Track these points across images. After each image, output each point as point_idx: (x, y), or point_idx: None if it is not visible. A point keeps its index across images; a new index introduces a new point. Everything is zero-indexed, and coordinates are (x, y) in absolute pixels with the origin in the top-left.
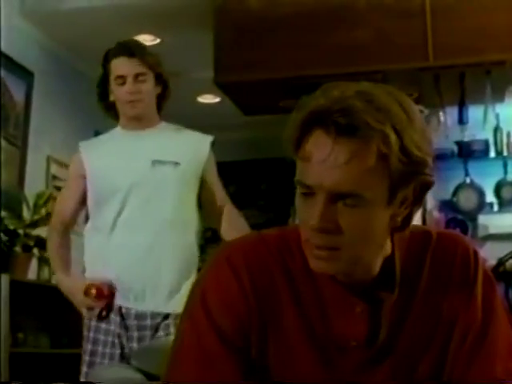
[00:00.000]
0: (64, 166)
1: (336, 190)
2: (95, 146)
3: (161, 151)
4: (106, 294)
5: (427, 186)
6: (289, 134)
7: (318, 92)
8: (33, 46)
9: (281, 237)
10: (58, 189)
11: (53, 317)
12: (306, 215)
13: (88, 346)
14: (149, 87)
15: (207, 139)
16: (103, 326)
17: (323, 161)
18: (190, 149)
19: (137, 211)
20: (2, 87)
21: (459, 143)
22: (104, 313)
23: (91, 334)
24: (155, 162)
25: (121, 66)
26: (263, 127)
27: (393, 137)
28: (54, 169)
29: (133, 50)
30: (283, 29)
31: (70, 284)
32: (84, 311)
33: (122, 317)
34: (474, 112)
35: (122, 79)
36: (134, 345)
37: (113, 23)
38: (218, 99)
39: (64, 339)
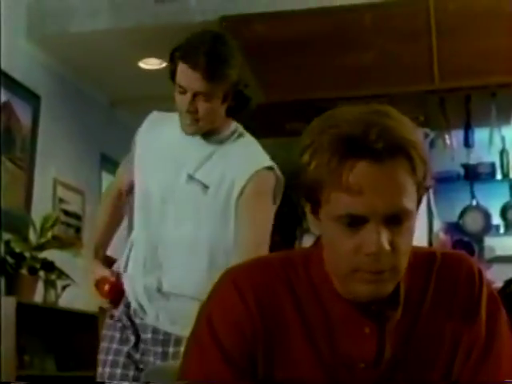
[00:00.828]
0: (71, 188)
1: (390, 213)
2: (157, 126)
3: (198, 166)
4: (116, 292)
5: (427, 190)
6: (321, 172)
7: (330, 118)
8: (39, 68)
9: (286, 259)
10: (65, 212)
11: (59, 339)
12: (357, 244)
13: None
14: (211, 107)
15: (256, 164)
16: (110, 321)
17: (375, 189)
18: (228, 171)
19: (152, 226)
20: (7, 109)
21: (465, 166)
22: (112, 310)
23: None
24: (189, 178)
25: (182, 75)
26: (270, 150)
27: (422, 149)
28: (61, 191)
29: (198, 59)
30: (289, 52)
31: (92, 265)
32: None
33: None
34: (480, 135)
35: (182, 89)
36: (137, 356)
37: (119, 46)
38: None
39: (71, 362)
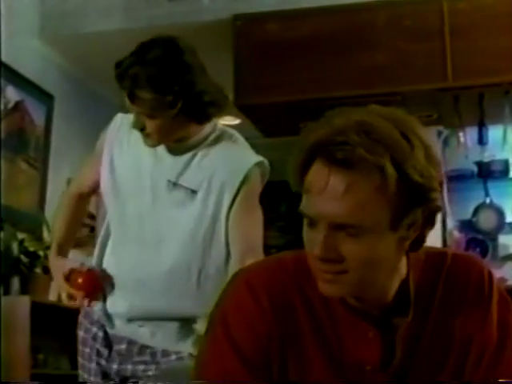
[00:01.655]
0: None
1: (335, 221)
2: (126, 131)
3: (180, 172)
4: (91, 285)
5: (435, 210)
6: (293, 164)
7: (321, 120)
8: (52, 69)
9: (298, 260)
10: None
11: (73, 338)
12: (311, 244)
13: (78, 347)
14: (158, 124)
15: (247, 162)
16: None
17: (321, 192)
18: (216, 174)
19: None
20: (21, 109)
21: (479, 163)
22: (86, 304)
23: (79, 332)
24: (171, 184)
25: (124, 96)
26: (283, 149)
27: (389, 169)
28: None
29: (124, 84)
30: (303, 51)
31: (56, 262)
32: (63, 297)
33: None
34: (494, 132)
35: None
36: (114, 366)
37: (132, 46)
38: (238, 121)
39: None
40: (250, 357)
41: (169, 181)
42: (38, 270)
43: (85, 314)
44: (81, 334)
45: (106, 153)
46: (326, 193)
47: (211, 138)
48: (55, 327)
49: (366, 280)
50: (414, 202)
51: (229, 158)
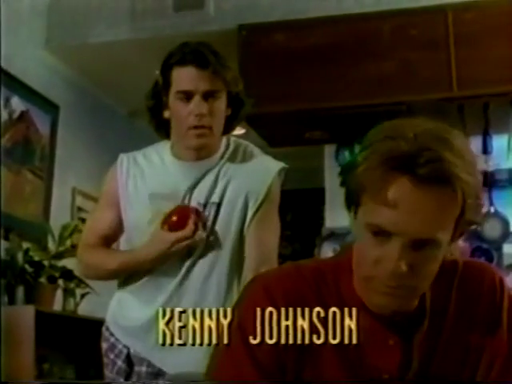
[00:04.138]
0: (89, 197)
1: (419, 237)
2: (136, 168)
3: (206, 189)
4: (188, 217)
5: (474, 223)
6: (366, 177)
7: (390, 131)
8: (58, 79)
9: (317, 268)
10: (84, 221)
11: (78, 348)
12: (378, 255)
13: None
14: (221, 108)
15: (269, 172)
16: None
17: (410, 211)
18: (242, 183)
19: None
20: (26, 119)
21: (483, 173)
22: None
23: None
24: (203, 206)
25: (187, 78)
26: (289, 159)
27: (473, 185)
28: (79, 201)
29: (206, 57)
30: (308, 61)
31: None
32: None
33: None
34: (499, 141)
35: (185, 95)
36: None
37: (138, 57)
38: (242, 131)
39: (91, 371)
40: (265, 362)
41: (199, 203)
42: (43, 280)
43: (106, 328)
44: (104, 346)
45: (122, 195)
46: (417, 211)
47: (229, 152)
48: (60, 336)
49: (421, 292)
50: (469, 215)
51: (251, 170)
